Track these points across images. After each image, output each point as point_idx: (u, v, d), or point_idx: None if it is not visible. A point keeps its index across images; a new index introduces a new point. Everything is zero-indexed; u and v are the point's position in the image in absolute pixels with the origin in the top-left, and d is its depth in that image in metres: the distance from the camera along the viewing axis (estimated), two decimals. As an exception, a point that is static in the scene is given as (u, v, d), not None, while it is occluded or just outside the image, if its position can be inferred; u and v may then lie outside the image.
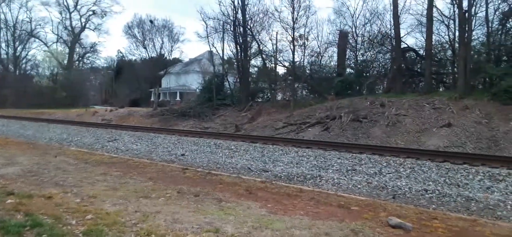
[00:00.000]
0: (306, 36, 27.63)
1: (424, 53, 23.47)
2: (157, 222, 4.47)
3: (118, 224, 4.31)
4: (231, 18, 29.75)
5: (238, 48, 30.17)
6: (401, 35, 24.45)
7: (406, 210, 5.67)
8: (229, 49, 33.18)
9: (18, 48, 55.27)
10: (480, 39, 22.19)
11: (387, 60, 27.23)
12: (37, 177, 6.83)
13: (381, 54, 27.78)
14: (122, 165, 8.77)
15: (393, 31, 24.74)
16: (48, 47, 55.50)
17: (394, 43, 24.70)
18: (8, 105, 42.04)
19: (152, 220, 4.54)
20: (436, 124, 15.74)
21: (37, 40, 55.95)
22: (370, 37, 27.82)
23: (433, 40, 22.84)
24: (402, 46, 24.50)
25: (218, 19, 30.59)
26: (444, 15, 23.02)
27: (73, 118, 29.46)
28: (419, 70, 25.59)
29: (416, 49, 25.63)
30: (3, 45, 55.22)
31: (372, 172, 9.03)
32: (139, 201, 5.41)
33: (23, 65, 57.05)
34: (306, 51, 28.60)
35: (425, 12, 22.71)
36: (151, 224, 4.39)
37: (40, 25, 56.08)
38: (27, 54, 56.97)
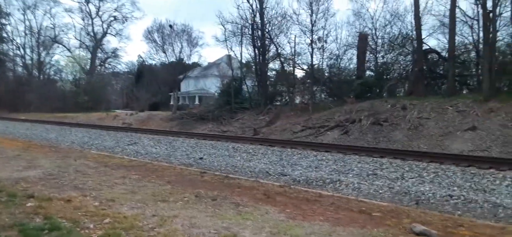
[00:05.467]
0: (324, 38, 27.38)
1: (447, 55, 22.87)
2: (175, 227, 4.43)
3: (135, 228, 4.29)
4: (249, 21, 29.84)
5: (256, 51, 30.19)
6: (423, 37, 23.83)
7: (431, 217, 5.46)
8: (247, 53, 33.06)
9: (42, 54, 56.83)
10: (505, 40, 21.40)
11: (409, 63, 26.60)
12: (57, 180, 6.91)
13: (402, 56, 27.13)
14: (141, 168, 8.81)
15: (414, 32, 24.19)
16: (71, 52, 56.82)
17: (415, 45, 24.16)
18: (33, 109, 43.15)
19: (169, 224, 4.50)
20: (460, 127, 15.27)
21: (60, 45, 57.46)
22: (391, 39, 27.28)
23: (456, 41, 22.17)
24: (424, 48, 23.91)
25: (236, 23, 30.74)
26: (467, 15, 22.32)
27: (94, 122, 30.04)
28: (442, 72, 24.93)
29: (439, 50, 24.99)
30: (28, 50, 56.92)
31: (394, 176, 8.80)
32: (157, 205, 5.39)
33: (47, 70, 58.59)
34: (324, 54, 28.22)
35: (447, 13, 22.03)
36: (169, 228, 4.35)
37: (63, 31, 57.49)
38: (51, 60, 58.55)
